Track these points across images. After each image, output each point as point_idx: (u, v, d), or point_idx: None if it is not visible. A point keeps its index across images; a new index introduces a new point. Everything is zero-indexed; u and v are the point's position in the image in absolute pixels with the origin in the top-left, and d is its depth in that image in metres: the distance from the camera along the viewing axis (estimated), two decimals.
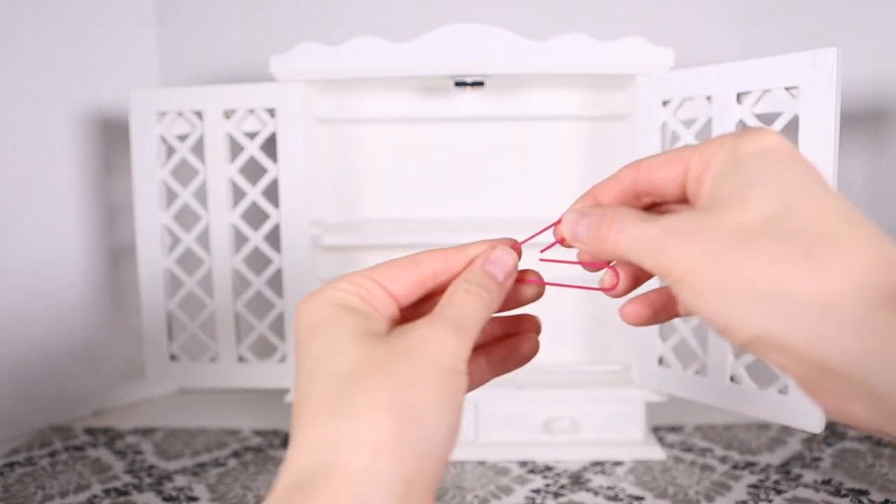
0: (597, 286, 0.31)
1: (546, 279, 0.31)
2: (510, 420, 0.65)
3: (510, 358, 0.32)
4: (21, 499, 0.57)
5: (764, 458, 0.63)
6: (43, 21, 0.73)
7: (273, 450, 0.67)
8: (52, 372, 0.75)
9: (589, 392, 0.64)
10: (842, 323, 0.20)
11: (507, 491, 0.58)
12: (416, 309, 0.29)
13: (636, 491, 0.57)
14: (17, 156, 0.72)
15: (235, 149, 0.65)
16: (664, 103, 0.60)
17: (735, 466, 0.61)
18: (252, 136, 0.66)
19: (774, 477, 0.59)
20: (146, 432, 0.72)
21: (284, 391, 0.69)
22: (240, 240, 0.67)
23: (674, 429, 0.70)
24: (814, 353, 0.21)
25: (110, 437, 0.71)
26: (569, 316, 0.70)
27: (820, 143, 0.50)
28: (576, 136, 0.69)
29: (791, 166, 0.24)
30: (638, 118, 0.61)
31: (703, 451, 0.65)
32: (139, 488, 0.59)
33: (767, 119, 0.54)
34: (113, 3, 0.79)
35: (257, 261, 0.66)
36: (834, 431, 0.67)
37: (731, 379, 0.56)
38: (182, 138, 0.66)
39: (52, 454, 0.66)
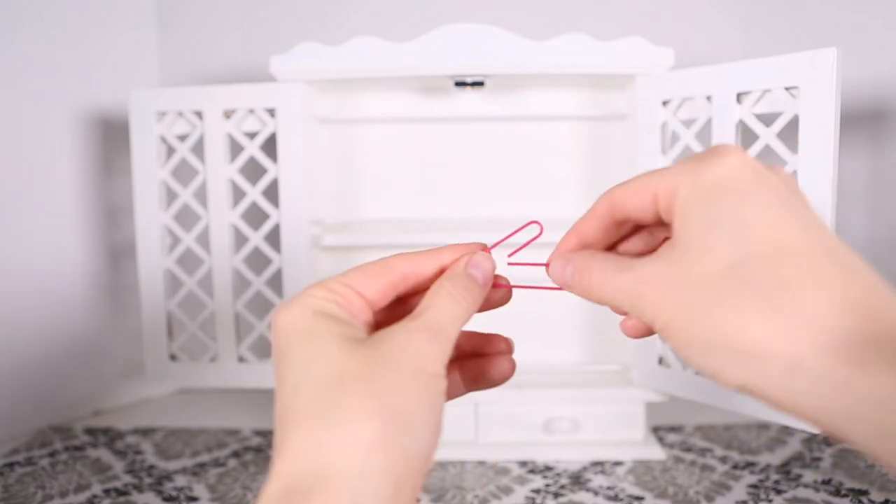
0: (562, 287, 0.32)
1: (515, 282, 0.32)
2: (510, 420, 0.65)
3: (481, 378, 0.32)
4: (21, 499, 0.57)
5: (764, 458, 0.63)
6: (43, 21, 0.73)
7: (272, 450, 0.67)
8: (52, 372, 0.75)
9: (589, 392, 0.64)
10: (811, 381, 0.21)
11: (507, 491, 0.58)
12: (387, 312, 0.29)
13: (636, 491, 0.57)
14: (17, 156, 0.72)
15: (235, 149, 0.65)
16: (664, 103, 0.60)
17: (735, 466, 0.61)
18: (252, 136, 0.66)
19: (774, 477, 0.59)
20: (146, 432, 0.72)
21: None
22: (240, 240, 0.67)
23: (674, 429, 0.70)
24: (791, 407, 0.22)
25: (110, 437, 0.71)
26: (569, 316, 0.70)
27: (820, 143, 0.50)
28: (576, 136, 0.69)
29: (751, 197, 0.23)
30: (638, 118, 0.61)
31: (703, 451, 0.65)
32: (139, 488, 0.59)
33: (767, 119, 0.54)
34: (113, 3, 0.79)
35: (257, 261, 0.66)
36: None
37: None
38: (182, 138, 0.66)
39: (52, 454, 0.66)
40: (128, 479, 0.61)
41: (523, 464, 0.63)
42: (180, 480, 0.60)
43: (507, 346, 0.33)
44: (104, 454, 0.66)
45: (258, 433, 0.71)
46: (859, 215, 0.78)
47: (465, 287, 0.28)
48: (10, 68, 0.71)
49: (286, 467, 0.23)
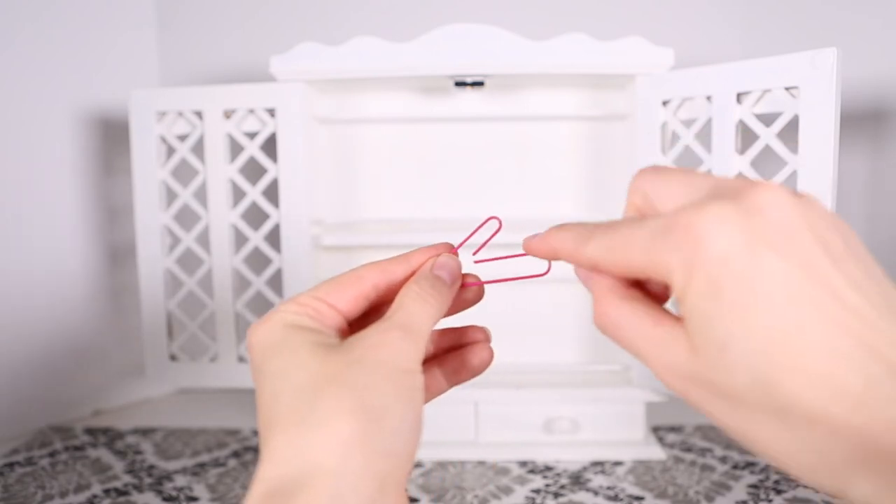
0: (530, 275, 0.32)
1: (483, 278, 0.32)
2: (510, 420, 0.65)
3: (462, 369, 0.32)
4: (21, 499, 0.57)
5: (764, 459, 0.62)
6: (43, 21, 0.73)
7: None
8: (52, 372, 0.75)
9: (589, 392, 0.64)
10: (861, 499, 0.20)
11: (507, 491, 0.58)
12: (363, 320, 0.29)
13: (636, 491, 0.57)
14: (17, 156, 0.72)
15: (235, 149, 0.66)
16: (664, 103, 0.60)
17: (735, 466, 0.61)
18: (252, 136, 0.66)
19: (774, 477, 0.59)
20: (146, 432, 0.72)
21: None
22: (240, 240, 0.67)
23: (674, 429, 0.70)
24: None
25: (110, 437, 0.71)
26: (569, 316, 0.70)
27: (820, 143, 0.50)
28: (576, 136, 0.69)
29: (751, 305, 0.20)
30: (638, 118, 0.61)
31: (703, 451, 0.65)
32: (139, 488, 0.59)
33: (767, 119, 0.54)
34: (113, 3, 0.79)
35: (257, 261, 0.66)
36: None
37: None
38: (182, 138, 0.66)
39: (52, 454, 0.66)
40: (128, 479, 0.61)
41: (523, 464, 0.63)
42: (180, 480, 0.60)
43: (483, 335, 0.33)
44: (104, 454, 0.66)
45: (258, 433, 0.71)
46: (859, 215, 0.78)
47: (432, 287, 0.29)
48: (10, 68, 0.71)
49: (268, 472, 0.23)
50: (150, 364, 0.67)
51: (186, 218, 0.67)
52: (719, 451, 0.64)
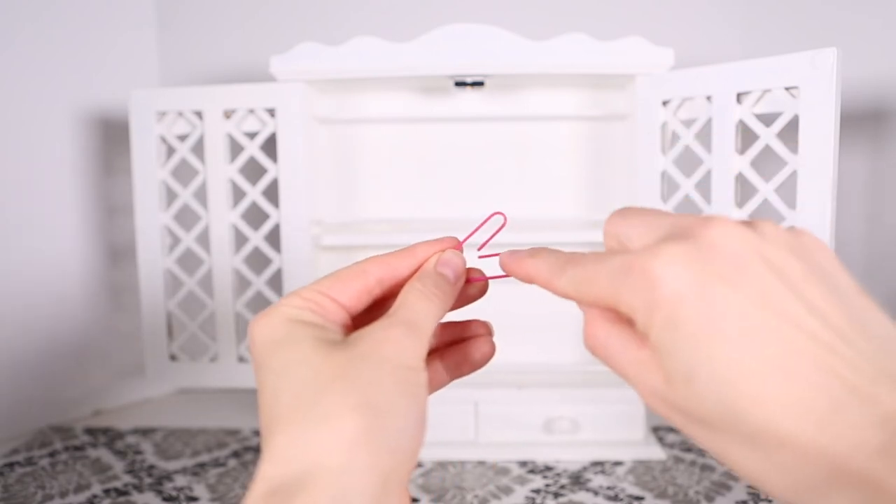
0: None
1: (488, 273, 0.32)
2: (510, 420, 0.65)
3: (464, 362, 0.32)
4: (21, 499, 0.57)
5: None
6: (43, 21, 0.73)
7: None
8: (52, 372, 0.75)
9: (589, 392, 0.64)
10: None
11: (507, 491, 0.58)
12: (366, 315, 0.29)
13: (636, 491, 0.57)
14: (17, 156, 0.72)
15: (235, 149, 0.66)
16: (664, 103, 0.60)
17: None
18: (252, 136, 0.66)
19: None
20: (146, 432, 0.72)
21: None
22: (240, 240, 0.67)
23: (674, 429, 0.70)
24: None
25: (110, 437, 0.71)
26: (569, 316, 0.70)
27: (820, 143, 0.50)
28: (576, 136, 0.70)
29: (709, 342, 0.21)
30: (638, 118, 0.61)
31: (703, 451, 0.65)
32: (139, 488, 0.59)
33: (767, 119, 0.54)
34: (113, 3, 0.79)
35: (257, 261, 0.66)
36: None
37: None
38: (182, 138, 0.66)
39: (52, 454, 0.66)
40: (128, 479, 0.61)
41: (523, 464, 0.63)
42: (180, 480, 0.60)
43: (485, 329, 0.33)
44: (104, 454, 0.66)
45: (258, 433, 0.71)
46: (859, 215, 0.78)
47: (435, 284, 0.29)
48: (10, 68, 0.71)
49: (270, 470, 0.23)
50: (150, 364, 0.67)
51: (186, 218, 0.67)
52: None
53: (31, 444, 0.68)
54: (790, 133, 0.53)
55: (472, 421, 0.65)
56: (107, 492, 0.58)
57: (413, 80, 0.65)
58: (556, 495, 0.57)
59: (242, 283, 0.67)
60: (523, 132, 0.70)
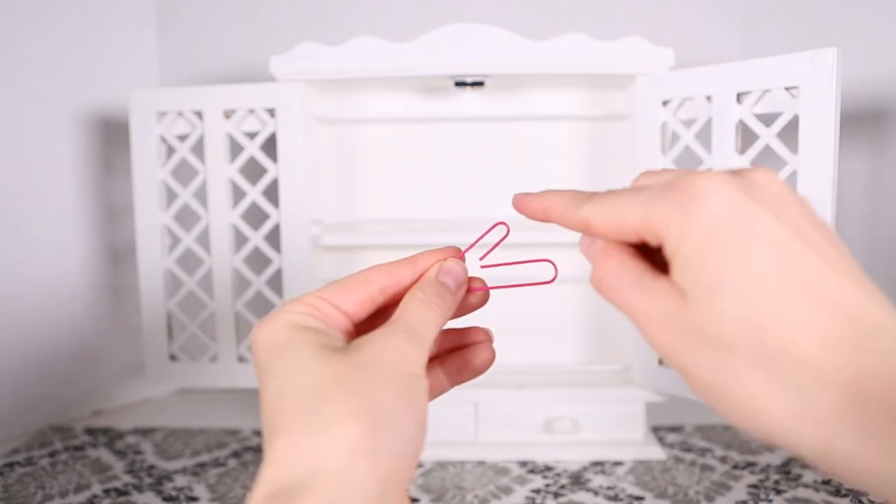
0: (536, 282, 0.32)
1: (489, 282, 0.32)
2: (510, 420, 0.65)
3: (464, 369, 0.33)
4: (21, 499, 0.57)
5: (764, 458, 0.63)
6: (43, 21, 0.73)
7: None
8: (52, 372, 0.75)
9: (589, 392, 0.64)
10: (842, 460, 0.20)
11: (507, 491, 0.58)
12: (369, 323, 0.29)
13: (636, 491, 0.57)
14: (17, 156, 0.72)
15: (235, 149, 0.66)
16: (664, 103, 0.60)
17: (735, 466, 0.61)
18: (252, 136, 0.66)
19: (774, 477, 0.59)
20: (146, 432, 0.72)
21: None
22: (240, 240, 0.67)
23: (674, 429, 0.70)
24: (823, 470, 0.21)
25: (110, 437, 0.71)
26: (569, 316, 0.70)
27: (820, 143, 0.50)
28: (576, 136, 0.69)
29: (744, 258, 0.22)
30: (638, 118, 0.61)
31: (703, 451, 0.65)
32: (139, 488, 0.59)
33: (767, 119, 0.54)
34: (113, 3, 0.79)
35: (257, 261, 0.66)
36: None
37: None
38: (182, 138, 0.66)
39: (52, 454, 0.66)
40: (128, 479, 0.61)
41: (523, 464, 0.63)
42: (180, 480, 0.60)
43: (485, 335, 0.33)
44: (104, 454, 0.66)
45: (258, 433, 0.71)
46: (859, 215, 0.78)
47: (436, 294, 0.29)
48: (10, 68, 0.71)
49: (272, 474, 0.23)
50: (150, 364, 0.67)
51: (186, 218, 0.67)
52: (719, 451, 0.64)
53: (31, 444, 0.68)
54: (790, 133, 0.53)
55: (472, 421, 0.65)
56: (107, 492, 0.58)
57: (413, 80, 0.65)
58: (556, 495, 0.57)
59: (242, 283, 0.67)
60: (523, 132, 0.70)
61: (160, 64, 0.84)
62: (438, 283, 0.30)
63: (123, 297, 0.81)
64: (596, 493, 0.57)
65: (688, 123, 0.61)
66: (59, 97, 0.75)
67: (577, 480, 0.59)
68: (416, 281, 0.30)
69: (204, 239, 0.66)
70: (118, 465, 0.63)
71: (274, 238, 0.65)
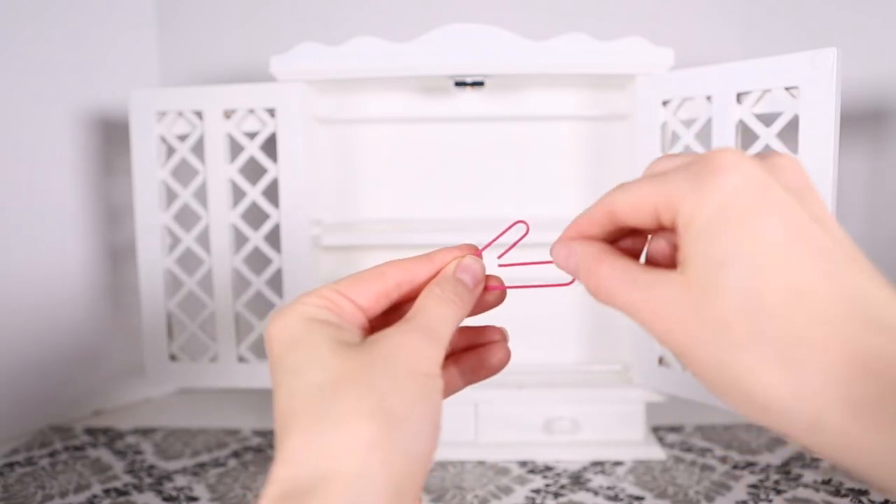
0: (554, 284, 0.32)
1: (507, 281, 0.32)
2: (510, 420, 0.65)
3: (479, 368, 0.32)
4: (21, 499, 0.57)
5: (764, 458, 0.63)
6: (43, 21, 0.73)
7: (273, 450, 0.67)
8: (52, 372, 0.75)
9: (589, 392, 0.64)
10: (834, 437, 0.20)
11: (507, 491, 0.58)
12: (384, 319, 0.29)
13: (636, 491, 0.57)
14: (17, 156, 0.72)
15: (235, 149, 0.66)
16: (664, 103, 0.60)
17: (735, 466, 0.61)
18: (252, 136, 0.66)
19: (774, 477, 0.59)
20: (146, 432, 0.72)
21: None
22: (240, 240, 0.67)
23: (674, 429, 0.70)
24: (817, 453, 0.22)
25: (110, 437, 0.71)
26: (569, 316, 0.70)
27: (820, 143, 0.50)
28: (576, 136, 0.69)
29: (758, 229, 0.22)
30: (638, 118, 0.61)
31: (703, 451, 0.65)
32: (139, 488, 0.59)
33: (767, 119, 0.54)
34: (113, 3, 0.79)
35: (257, 261, 0.66)
36: None
37: None
38: (182, 138, 0.66)
39: (52, 454, 0.66)
40: (128, 479, 0.61)
41: (523, 464, 0.63)
42: (180, 480, 0.60)
43: (500, 335, 0.33)
44: (104, 454, 0.66)
45: (258, 433, 0.71)
46: (859, 215, 0.78)
47: (454, 291, 0.28)
48: (10, 68, 0.71)
49: (284, 472, 0.23)
50: (150, 364, 0.67)
51: (186, 218, 0.67)
52: (719, 451, 0.64)
53: (31, 444, 0.68)
54: (790, 133, 0.53)
55: (472, 421, 0.65)
56: (107, 492, 0.58)
57: (413, 80, 0.65)
58: (556, 495, 0.57)
59: (242, 283, 0.67)
60: (523, 132, 0.70)
61: (160, 64, 0.84)
62: (456, 279, 0.29)
63: (123, 297, 0.81)
64: (596, 493, 0.57)
65: (688, 123, 0.61)
66: (59, 97, 0.75)
67: (577, 480, 0.59)
68: (432, 278, 0.29)
69: (204, 239, 0.66)
70: (118, 465, 0.63)
71: (274, 238, 0.65)
